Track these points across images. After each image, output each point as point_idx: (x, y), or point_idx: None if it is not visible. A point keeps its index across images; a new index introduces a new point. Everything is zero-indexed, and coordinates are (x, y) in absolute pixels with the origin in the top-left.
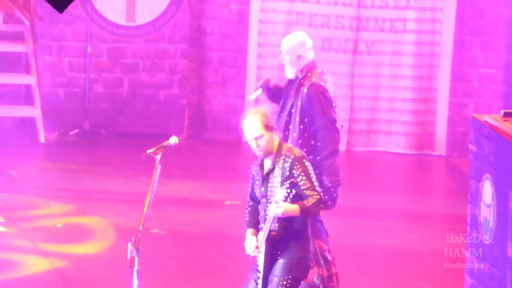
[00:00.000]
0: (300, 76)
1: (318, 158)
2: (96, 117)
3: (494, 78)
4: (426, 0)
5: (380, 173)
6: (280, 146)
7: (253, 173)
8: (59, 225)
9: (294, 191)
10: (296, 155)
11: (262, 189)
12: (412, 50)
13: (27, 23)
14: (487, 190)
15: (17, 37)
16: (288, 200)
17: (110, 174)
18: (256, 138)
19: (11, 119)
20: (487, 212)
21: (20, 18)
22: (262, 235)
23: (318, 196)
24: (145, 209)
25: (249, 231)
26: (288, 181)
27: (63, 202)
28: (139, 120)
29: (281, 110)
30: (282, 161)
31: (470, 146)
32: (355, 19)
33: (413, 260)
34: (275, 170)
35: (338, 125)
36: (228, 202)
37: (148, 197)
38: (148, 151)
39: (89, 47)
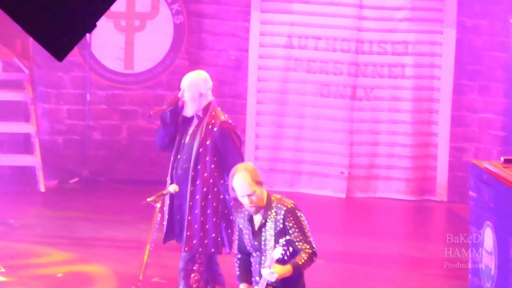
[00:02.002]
0: (201, 115)
1: (227, 196)
2: (95, 165)
3: (493, 123)
4: (425, 46)
5: (380, 220)
6: (269, 198)
7: (240, 226)
8: (59, 275)
9: (291, 249)
10: (288, 206)
11: (256, 243)
12: (411, 96)
13: (26, 71)
14: (488, 237)
15: (16, 86)
16: (285, 258)
17: (109, 222)
18: (248, 195)
19: (10, 168)
20: (488, 259)
21: (19, 66)
22: None
23: (310, 250)
24: (145, 257)
25: (242, 286)
26: (284, 239)
27: (63, 250)
28: (137, 167)
29: (179, 151)
30: (274, 213)
31: (470, 192)
32: (353, 64)
33: None
34: (267, 223)
35: (337, 171)
36: None
37: (148, 245)
38: (148, 200)
39: (88, 95)
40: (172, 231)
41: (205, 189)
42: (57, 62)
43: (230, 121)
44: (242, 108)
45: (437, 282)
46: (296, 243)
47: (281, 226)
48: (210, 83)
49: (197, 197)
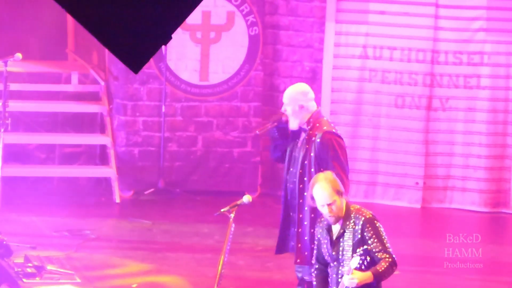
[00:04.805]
0: (306, 128)
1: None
2: (170, 176)
3: None
4: (501, 56)
5: (456, 231)
6: (348, 208)
7: (318, 236)
8: (134, 285)
9: (368, 258)
10: (367, 216)
11: (333, 253)
12: (486, 107)
13: (102, 83)
14: None
15: (92, 97)
16: (363, 267)
17: (185, 233)
18: (328, 205)
19: (87, 179)
20: None
21: (95, 79)
22: None
23: (390, 259)
24: (219, 267)
25: None
26: (362, 248)
27: (138, 261)
28: (213, 178)
29: (291, 164)
30: (352, 223)
31: None
32: (429, 75)
33: None
34: (345, 233)
35: (412, 181)
36: None
37: (222, 256)
38: (222, 210)
39: (163, 106)
40: (284, 243)
41: None
42: (133, 74)
43: (334, 130)
44: None
45: None
46: (376, 253)
47: (359, 236)
48: (311, 95)
49: (306, 208)
